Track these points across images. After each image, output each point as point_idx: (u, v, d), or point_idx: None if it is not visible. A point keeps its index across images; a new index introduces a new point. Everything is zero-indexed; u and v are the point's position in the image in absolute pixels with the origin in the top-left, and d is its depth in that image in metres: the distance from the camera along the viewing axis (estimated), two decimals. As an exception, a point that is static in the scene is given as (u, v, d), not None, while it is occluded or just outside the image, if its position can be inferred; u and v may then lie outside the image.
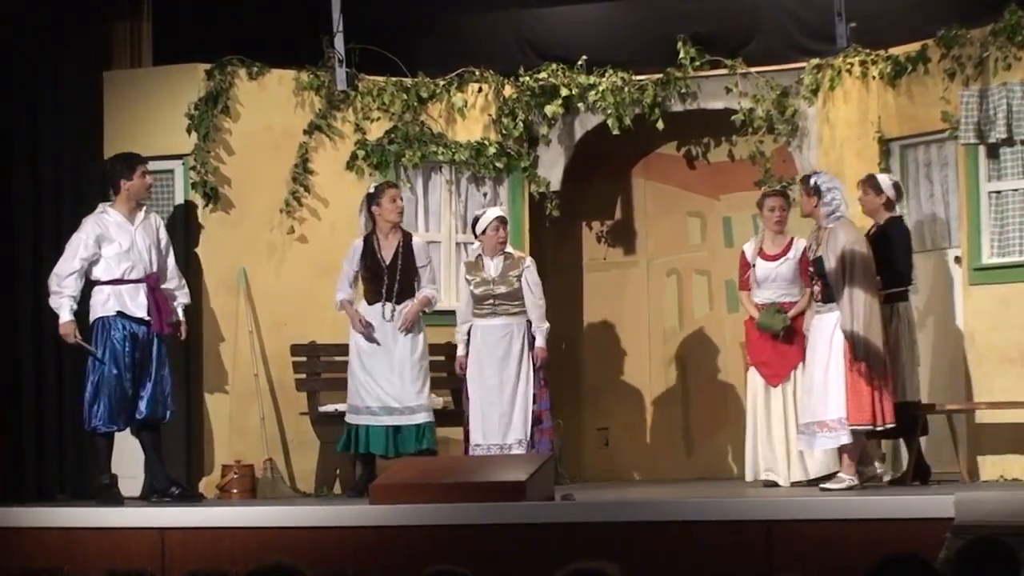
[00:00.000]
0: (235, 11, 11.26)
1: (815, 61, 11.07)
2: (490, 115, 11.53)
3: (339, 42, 11.00)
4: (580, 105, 11.56)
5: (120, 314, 9.65)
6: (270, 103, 11.00)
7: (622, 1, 11.87)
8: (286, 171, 10.98)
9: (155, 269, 9.79)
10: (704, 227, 12.23)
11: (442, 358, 10.82)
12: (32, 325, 10.42)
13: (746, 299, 10.14)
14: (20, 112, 10.65)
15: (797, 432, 9.33)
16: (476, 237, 10.35)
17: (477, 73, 11.51)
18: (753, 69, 11.27)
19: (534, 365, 10.11)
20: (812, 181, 9.31)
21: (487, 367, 10.04)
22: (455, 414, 10.59)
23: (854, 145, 10.88)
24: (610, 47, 11.63)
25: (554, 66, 11.55)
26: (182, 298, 10.01)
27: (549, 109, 11.51)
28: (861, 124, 10.86)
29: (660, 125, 11.48)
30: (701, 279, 12.21)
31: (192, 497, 9.76)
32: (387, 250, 10.08)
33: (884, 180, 9.87)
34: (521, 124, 11.52)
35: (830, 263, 9.02)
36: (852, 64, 10.88)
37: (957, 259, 10.42)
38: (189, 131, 10.73)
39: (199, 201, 10.74)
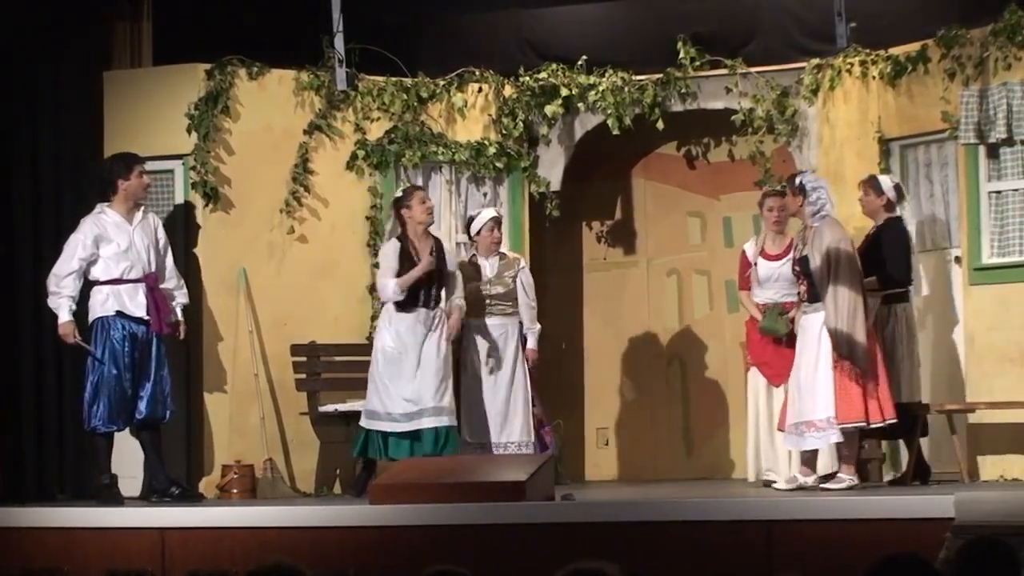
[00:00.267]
0: (235, 11, 11.25)
1: (815, 61, 11.07)
2: (490, 115, 11.53)
3: (339, 42, 11.00)
4: (580, 105, 11.56)
5: (119, 314, 9.65)
6: (270, 103, 11.00)
7: (622, 1, 11.87)
8: (286, 171, 10.98)
9: (154, 269, 9.79)
10: (704, 227, 12.23)
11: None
12: (32, 325, 10.42)
13: (746, 299, 10.14)
14: (20, 112, 10.65)
15: (785, 432, 9.34)
16: (470, 238, 10.36)
17: (477, 73, 11.51)
18: (753, 69, 11.27)
19: (526, 366, 10.12)
20: (797, 180, 9.33)
21: (481, 366, 10.03)
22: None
23: (854, 145, 10.88)
24: (610, 47, 11.63)
25: (554, 66, 11.55)
26: (181, 298, 10.01)
27: (549, 109, 11.51)
28: (861, 124, 10.86)
29: (660, 125, 11.48)
30: (701, 279, 12.22)
31: (192, 497, 9.76)
32: (423, 255, 9.85)
33: (885, 181, 9.88)
34: (521, 124, 11.52)
35: (815, 262, 9.04)
36: (852, 64, 10.88)
37: (957, 259, 10.42)
38: (189, 131, 10.73)
39: (199, 201, 10.74)
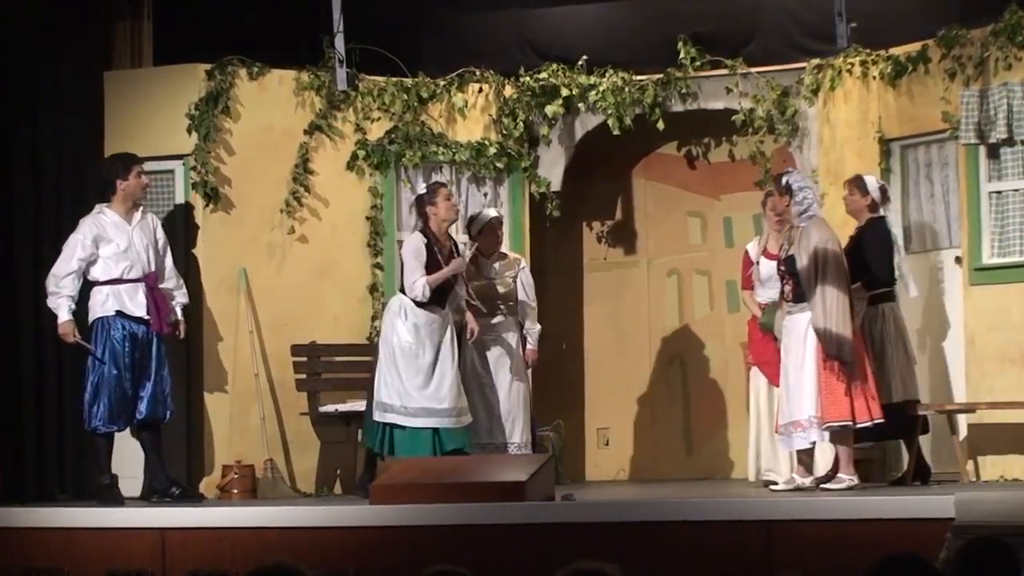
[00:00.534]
0: (235, 11, 11.25)
1: (815, 61, 11.07)
2: (490, 115, 11.54)
3: (339, 42, 11.00)
4: (580, 105, 11.56)
5: (119, 314, 9.65)
6: (270, 103, 11.00)
7: (622, 1, 11.87)
8: (286, 171, 10.98)
9: (153, 268, 9.80)
10: (704, 227, 12.23)
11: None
12: (32, 325, 10.42)
13: (748, 298, 10.13)
14: (20, 112, 10.65)
15: (776, 433, 9.34)
16: (471, 238, 10.34)
17: (477, 73, 11.51)
18: (753, 69, 11.27)
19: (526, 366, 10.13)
20: (784, 180, 9.33)
21: (481, 366, 10.02)
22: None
23: (854, 145, 10.88)
24: (610, 47, 11.64)
25: (554, 66, 11.55)
26: (180, 298, 10.01)
27: (549, 109, 11.51)
28: (861, 124, 10.86)
29: (660, 125, 11.48)
30: (701, 279, 12.22)
31: (192, 497, 9.77)
32: (444, 253, 9.78)
33: (871, 182, 9.87)
34: (521, 124, 11.52)
35: (802, 261, 9.04)
36: (852, 64, 10.88)
37: (957, 259, 10.42)
38: (189, 131, 10.73)
39: (199, 201, 10.74)
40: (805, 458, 9.18)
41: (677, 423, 12.15)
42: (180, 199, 10.83)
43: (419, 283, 9.61)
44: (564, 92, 11.51)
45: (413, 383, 9.60)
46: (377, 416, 9.66)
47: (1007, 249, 10.12)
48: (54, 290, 9.64)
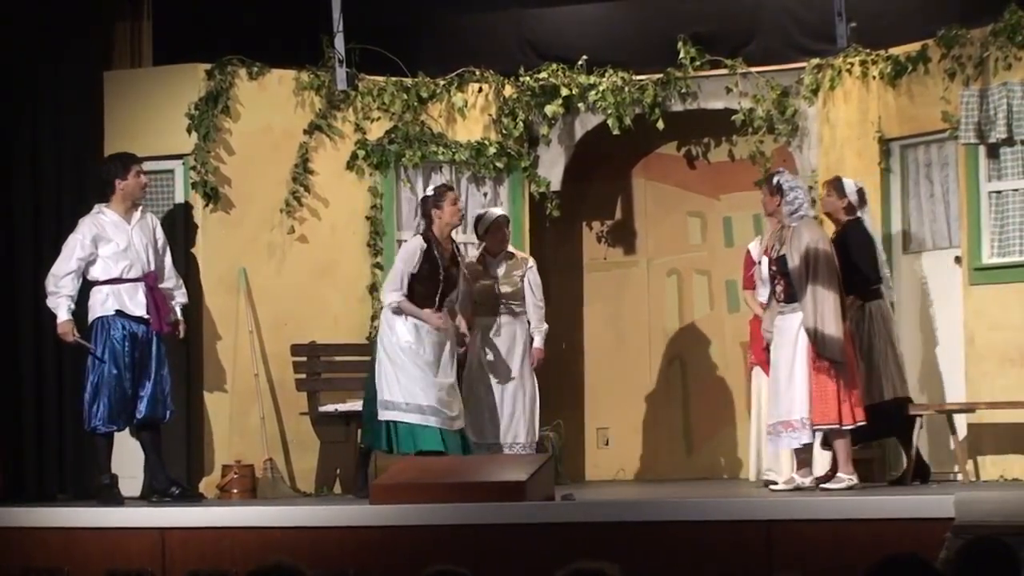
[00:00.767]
0: (235, 11, 11.25)
1: (815, 61, 11.07)
2: (490, 115, 11.54)
3: (339, 42, 11.00)
4: (580, 105, 11.57)
5: (119, 313, 9.65)
6: (270, 103, 11.00)
7: (622, 1, 11.87)
8: (286, 171, 10.98)
9: (152, 268, 9.80)
10: (704, 227, 12.23)
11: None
12: (32, 325, 10.42)
13: (750, 298, 10.13)
14: (20, 112, 10.65)
15: (767, 433, 9.35)
16: (478, 237, 10.33)
17: (477, 73, 11.51)
18: (753, 69, 11.27)
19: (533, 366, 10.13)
20: (775, 180, 9.32)
21: (487, 366, 10.03)
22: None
23: (854, 145, 10.88)
24: (610, 47, 11.64)
25: (554, 66, 11.55)
26: (180, 297, 10.01)
27: (549, 109, 11.51)
28: (861, 124, 10.86)
29: (660, 125, 11.48)
30: (701, 279, 12.22)
31: (192, 497, 9.77)
32: (445, 256, 9.77)
33: (849, 184, 9.88)
34: (521, 124, 11.52)
35: (793, 262, 9.04)
36: (852, 64, 10.88)
37: (957, 259, 10.42)
38: (189, 131, 10.73)
39: (199, 201, 10.74)
40: (805, 457, 9.18)
41: (677, 423, 12.15)
42: (180, 199, 10.84)
43: (393, 296, 9.64)
44: (564, 92, 11.51)
45: (417, 381, 9.60)
46: (381, 415, 9.64)
47: (1007, 249, 10.12)
48: (53, 290, 9.64)
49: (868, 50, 10.81)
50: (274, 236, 10.93)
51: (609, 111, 11.44)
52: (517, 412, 10.02)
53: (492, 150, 11.43)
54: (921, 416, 9.72)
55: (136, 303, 9.69)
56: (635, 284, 12.36)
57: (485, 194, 11.52)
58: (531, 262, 10.31)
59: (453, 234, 9.98)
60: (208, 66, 10.82)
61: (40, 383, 10.52)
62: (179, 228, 10.72)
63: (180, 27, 11.15)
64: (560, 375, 12.01)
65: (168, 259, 9.99)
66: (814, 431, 8.99)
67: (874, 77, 10.79)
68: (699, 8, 11.56)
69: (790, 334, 9.07)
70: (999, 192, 10.18)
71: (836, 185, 9.87)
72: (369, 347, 10.48)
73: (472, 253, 10.93)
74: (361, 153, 11.17)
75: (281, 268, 10.94)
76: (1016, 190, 10.11)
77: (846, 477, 8.98)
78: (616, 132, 11.46)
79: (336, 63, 11.02)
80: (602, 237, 12.45)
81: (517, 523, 8.12)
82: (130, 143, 10.34)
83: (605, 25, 11.76)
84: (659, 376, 12.22)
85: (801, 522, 7.77)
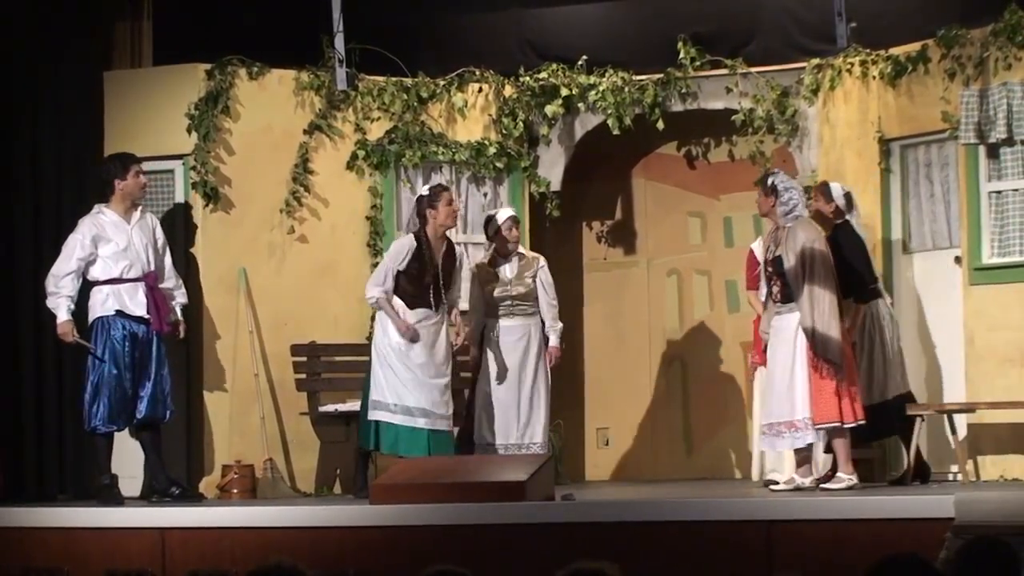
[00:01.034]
0: (235, 11, 11.25)
1: (815, 61, 11.07)
2: (490, 115, 11.54)
3: (339, 42, 11.00)
4: (580, 105, 11.57)
5: (119, 313, 9.65)
6: (270, 103, 11.00)
7: (622, 1, 11.87)
8: (286, 171, 10.98)
9: (152, 268, 9.80)
10: (704, 227, 12.23)
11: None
12: (32, 325, 10.42)
13: (753, 298, 10.12)
14: (20, 112, 10.65)
15: (762, 433, 9.34)
16: (489, 238, 10.30)
17: (477, 73, 11.51)
18: (753, 69, 11.28)
19: (547, 366, 10.13)
20: (769, 181, 9.32)
21: (502, 368, 10.02)
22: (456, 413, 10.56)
23: (854, 145, 10.88)
24: (610, 47, 11.64)
25: (554, 66, 11.55)
26: (180, 297, 10.01)
27: (549, 109, 11.51)
28: (861, 124, 10.86)
29: (660, 125, 11.49)
30: (701, 279, 12.21)
31: (192, 497, 9.77)
32: (437, 255, 9.80)
33: (836, 189, 9.89)
34: (521, 124, 11.52)
35: (789, 262, 9.04)
36: (852, 64, 10.88)
37: (957, 259, 10.42)
38: (189, 131, 10.73)
39: (199, 201, 10.74)
40: (805, 457, 9.18)
41: (677, 423, 12.15)
42: (180, 199, 10.84)
43: (374, 291, 9.74)
44: (564, 92, 11.51)
45: (406, 382, 9.64)
46: (370, 414, 9.72)
47: (1007, 249, 10.12)
48: (53, 290, 9.64)
49: (868, 50, 10.82)
50: (274, 236, 10.93)
51: (609, 111, 11.44)
52: (533, 413, 10.03)
53: (492, 150, 11.43)
54: (921, 416, 9.73)
55: (136, 303, 9.70)
56: (635, 284, 12.36)
57: (485, 194, 11.53)
58: (542, 261, 10.29)
59: (452, 235, 9.98)
60: (208, 66, 10.82)
61: (40, 383, 10.52)
62: (179, 228, 10.72)
63: (180, 27, 11.15)
64: (560, 375, 11.99)
65: (168, 259, 9.99)
66: (816, 430, 8.99)
67: (874, 77, 10.79)
68: (699, 8, 11.56)
69: (787, 334, 9.07)
70: (999, 192, 10.18)
71: (823, 190, 9.90)
72: (368, 347, 10.48)
73: (473, 254, 10.95)
74: (361, 153, 11.17)
75: (281, 268, 10.94)
76: (1016, 190, 10.11)
77: (846, 477, 8.98)
78: (616, 132, 11.47)
79: (336, 63, 11.02)
80: (602, 237, 12.45)
81: (517, 523, 8.12)
82: (130, 143, 10.34)
83: (605, 25, 11.77)
84: (659, 376, 12.22)
85: (801, 522, 7.77)
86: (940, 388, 10.40)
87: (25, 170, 10.63)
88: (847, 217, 9.78)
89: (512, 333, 10.06)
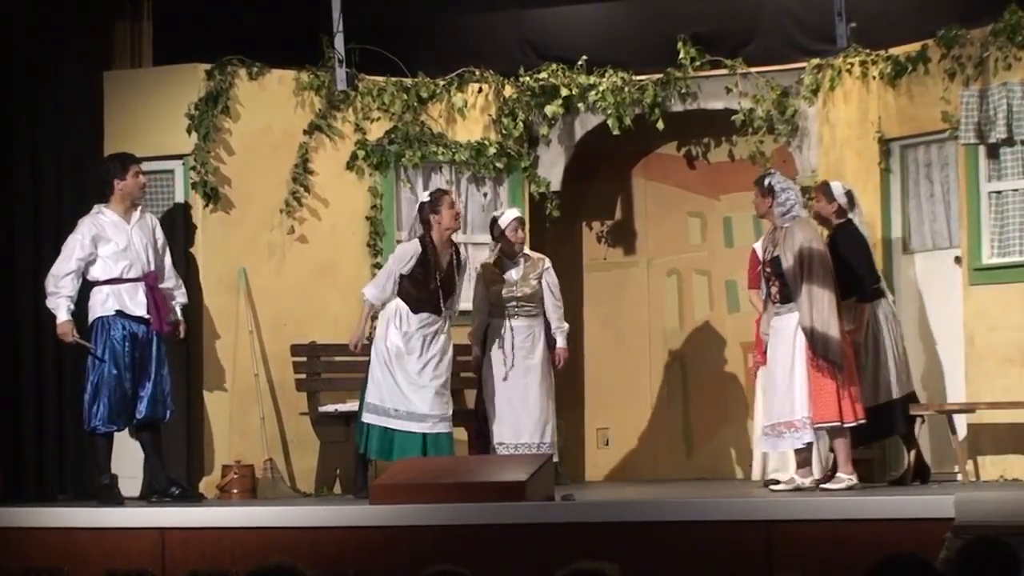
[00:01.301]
0: (235, 11, 11.25)
1: (815, 61, 11.07)
2: (490, 115, 11.54)
3: (339, 42, 11.00)
4: (580, 105, 11.57)
5: (119, 313, 9.66)
6: (270, 103, 11.00)
7: (622, 1, 11.87)
8: (286, 171, 10.98)
9: (152, 268, 9.80)
10: (704, 227, 12.23)
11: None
12: (32, 325, 10.42)
13: (755, 297, 10.11)
14: (20, 112, 10.65)
15: (761, 434, 9.34)
16: (494, 239, 10.30)
17: (477, 73, 11.51)
18: (753, 69, 11.27)
19: (554, 366, 10.13)
20: (766, 182, 9.32)
21: (510, 369, 10.01)
22: (456, 414, 10.56)
23: (854, 145, 10.88)
24: (610, 47, 11.64)
25: (554, 66, 11.55)
26: (180, 297, 10.02)
27: (549, 109, 11.51)
28: (861, 124, 10.86)
29: (660, 125, 11.48)
30: (701, 279, 12.21)
31: (192, 497, 9.77)
32: (443, 261, 9.83)
33: (837, 188, 9.88)
34: (521, 124, 11.52)
35: (787, 262, 9.04)
36: (852, 64, 10.88)
37: (957, 259, 10.42)
38: (189, 131, 10.73)
39: (199, 201, 10.74)
40: (806, 457, 9.18)
41: (677, 423, 12.15)
42: (180, 199, 10.84)
43: (371, 293, 9.82)
44: (564, 92, 11.51)
45: (402, 386, 9.68)
46: (363, 416, 9.77)
47: (1007, 249, 10.12)
48: (53, 290, 9.64)
49: (868, 50, 10.81)
50: (274, 236, 10.93)
51: (609, 111, 11.44)
52: (542, 414, 10.05)
53: (492, 150, 11.43)
54: (922, 416, 9.73)
55: (136, 303, 9.70)
56: (635, 284, 12.35)
57: (485, 194, 11.53)
58: (547, 262, 10.30)
59: (452, 236, 9.99)
60: (208, 66, 10.82)
61: (40, 383, 10.52)
62: (179, 228, 10.72)
63: (180, 27, 11.15)
64: (560, 375, 11.99)
65: (168, 259, 9.99)
66: (816, 430, 8.99)
67: (874, 77, 10.79)
68: (699, 8, 11.56)
69: (787, 334, 9.07)
70: (999, 192, 10.18)
71: (824, 190, 9.89)
72: (369, 347, 10.47)
73: (473, 254, 10.94)
74: (361, 153, 11.17)
75: (281, 268, 10.94)
76: (1016, 190, 10.11)
77: (846, 477, 8.98)
78: (616, 132, 11.47)
79: (336, 63, 11.02)
80: (602, 237, 12.45)
81: (517, 523, 8.13)
82: (130, 143, 10.34)
83: (605, 25, 11.76)
84: (659, 376, 12.22)
85: (801, 522, 7.78)
86: (940, 388, 10.39)
87: (25, 170, 10.63)
88: (849, 216, 9.78)
89: (518, 334, 10.06)
